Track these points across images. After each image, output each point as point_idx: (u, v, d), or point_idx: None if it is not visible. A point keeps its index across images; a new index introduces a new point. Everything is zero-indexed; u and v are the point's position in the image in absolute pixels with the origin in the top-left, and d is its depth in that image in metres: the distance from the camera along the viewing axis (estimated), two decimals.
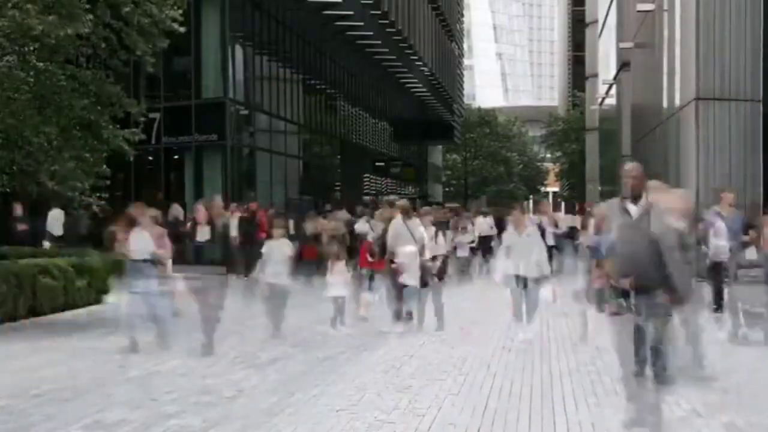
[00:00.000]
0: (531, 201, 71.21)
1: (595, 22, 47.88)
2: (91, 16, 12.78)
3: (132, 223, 9.66)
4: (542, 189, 79.94)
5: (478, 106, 74.34)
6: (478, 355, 9.04)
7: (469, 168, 65.57)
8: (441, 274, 11.44)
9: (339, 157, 35.74)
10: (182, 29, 14.59)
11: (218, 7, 23.62)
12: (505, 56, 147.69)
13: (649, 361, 5.91)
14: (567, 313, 11.18)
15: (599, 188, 44.14)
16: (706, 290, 11.22)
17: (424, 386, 7.45)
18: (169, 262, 9.75)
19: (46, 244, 16.71)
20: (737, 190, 13.94)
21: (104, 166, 14.54)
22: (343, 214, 17.83)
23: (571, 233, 18.05)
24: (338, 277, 10.88)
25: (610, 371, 8.11)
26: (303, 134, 30.42)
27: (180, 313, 9.95)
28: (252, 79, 25.76)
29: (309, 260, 14.87)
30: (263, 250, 10.65)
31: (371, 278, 12.34)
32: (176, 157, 24.83)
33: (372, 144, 41.36)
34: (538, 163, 76.55)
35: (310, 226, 17.18)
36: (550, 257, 13.90)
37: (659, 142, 23.13)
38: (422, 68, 36.54)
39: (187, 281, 9.50)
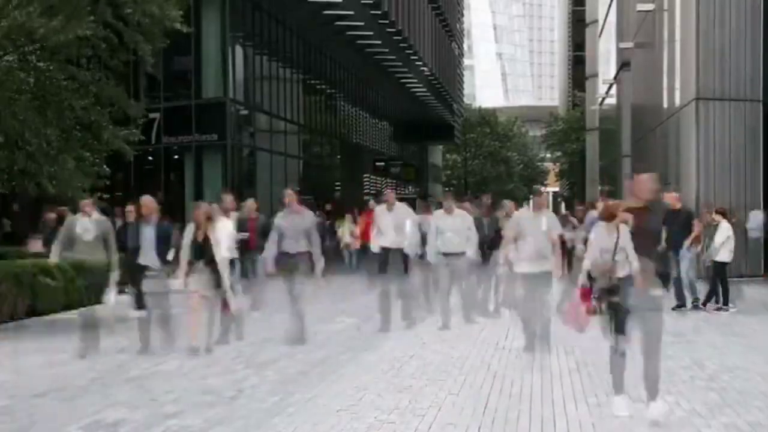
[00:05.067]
0: (532, 201, 70.95)
1: (595, 22, 47.89)
2: (92, 17, 12.78)
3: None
4: (542, 189, 79.94)
5: (478, 106, 74.34)
6: (478, 355, 9.04)
7: (469, 168, 65.58)
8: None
9: (339, 157, 35.75)
10: (185, 29, 14.59)
11: (218, 7, 23.62)
12: (505, 56, 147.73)
13: None
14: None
15: (599, 188, 44.14)
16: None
17: (424, 386, 7.45)
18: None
19: None
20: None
21: (104, 166, 14.56)
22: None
23: None
24: None
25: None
26: (303, 134, 30.43)
27: None
28: (252, 79, 25.77)
29: None
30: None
31: None
32: (176, 157, 24.83)
33: (372, 144, 41.37)
34: (538, 163, 76.58)
35: None
36: None
37: (659, 142, 23.13)
38: (422, 68, 36.51)
39: None
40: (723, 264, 12.83)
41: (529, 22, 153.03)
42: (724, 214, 13.09)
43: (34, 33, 12.10)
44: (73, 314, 12.50)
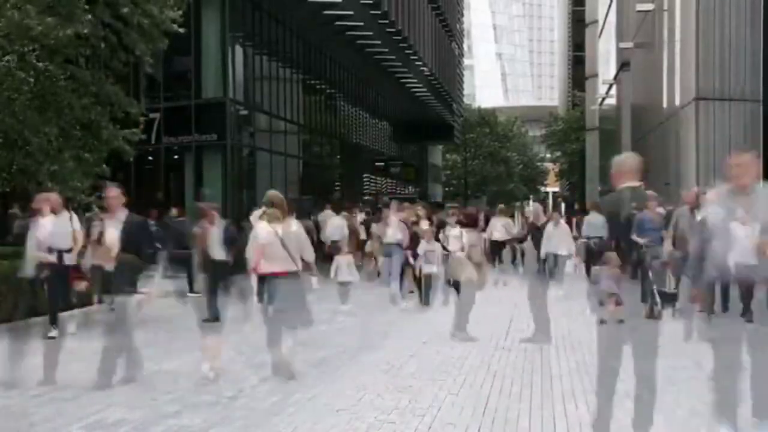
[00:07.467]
0: (531, 200, 71.18)
1: (595, 22, 47.92)
2: (90, 16, 12.78)
3: None
4: (542, 189, 79.96)
5: (477, 106, 74.36)
6: (478, 355, 9.04)
7: (468, 168, 65.62)
8: None
9: (339, 157, 35.75)
10: (182, 30, 14.60)
11: (218, 7, 23.61)
12: (505, 56, 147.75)
13: None
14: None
15: (599, 188, 44.14)
16: None
17: (424, 386, 7.45)
18: None
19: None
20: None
21: (104, 166, 14.55)
22: None
23: None
24: None
25: None
26: (303, 134, 30.43)
27: None
28: (252, 79, 25.77)
29: None
30: None
31: None
32: (176, 157, 24.82)
33: (372, 144, 41.37)
34: (538, 163, 76.59)
35: None
36: None
37: (659, 142, 23.13)
38: (422, 68, 36.52)
39: None
40: None
41: (529, 22, 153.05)
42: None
43: (32, 30, 12.09)
44: (72, 314, 12.50)
